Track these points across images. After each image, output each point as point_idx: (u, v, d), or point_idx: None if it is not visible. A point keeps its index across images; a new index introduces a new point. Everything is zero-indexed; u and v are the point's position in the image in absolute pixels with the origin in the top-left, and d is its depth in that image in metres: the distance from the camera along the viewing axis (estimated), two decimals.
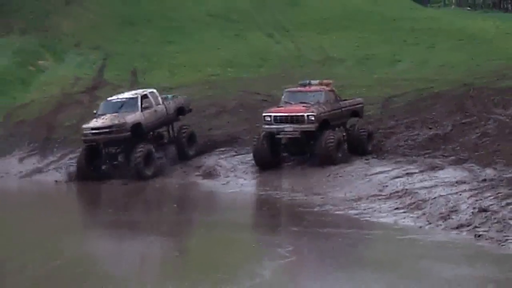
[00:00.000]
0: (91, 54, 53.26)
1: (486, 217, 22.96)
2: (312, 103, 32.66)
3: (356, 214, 26.32)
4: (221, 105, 41.78)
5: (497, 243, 21.13)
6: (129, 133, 32.35)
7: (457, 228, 22.86)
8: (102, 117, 33.08)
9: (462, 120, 35.49)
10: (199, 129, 37.32)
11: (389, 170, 30.76)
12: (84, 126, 33.20)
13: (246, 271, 19.11)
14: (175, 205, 30.13)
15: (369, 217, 25.93)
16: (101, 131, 32.15)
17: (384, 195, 27.94)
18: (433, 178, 28.44)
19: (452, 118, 35.77)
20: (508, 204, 23.55)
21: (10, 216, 28.05)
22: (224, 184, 31.54)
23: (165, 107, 34.86)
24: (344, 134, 33.24)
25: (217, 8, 62.81)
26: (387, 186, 28.82)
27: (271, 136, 32.04)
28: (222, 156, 34.43)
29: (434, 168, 29.60)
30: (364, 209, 26.86)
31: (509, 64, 44.74)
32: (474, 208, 23.77)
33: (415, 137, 34.70)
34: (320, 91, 34.04)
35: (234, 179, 31.76)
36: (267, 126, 32.17)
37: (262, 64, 50.91)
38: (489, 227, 22.25)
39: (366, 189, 28.99)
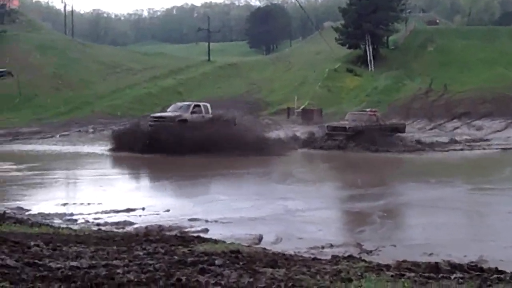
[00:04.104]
0: (426, 78, 64.61)
1: None
2: (356, 120, 35.56)
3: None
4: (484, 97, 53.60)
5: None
6: None
7: None
8: None
9: None
10: None
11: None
12: None
13: None
14: None
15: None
16: None
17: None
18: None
19: None
20: None
21: None
22: None
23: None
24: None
25: (483, 55, 71.57)
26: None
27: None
28: None
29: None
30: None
31: None
32: None
33: None
34: (364, 114, 37.11)
35: None
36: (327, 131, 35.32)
37: (502, 81, 59.24)
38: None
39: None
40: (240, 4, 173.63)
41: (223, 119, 33.59)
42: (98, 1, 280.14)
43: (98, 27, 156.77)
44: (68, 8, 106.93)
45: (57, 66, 69.03)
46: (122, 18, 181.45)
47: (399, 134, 36.41)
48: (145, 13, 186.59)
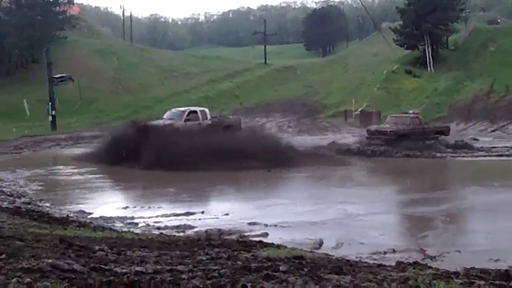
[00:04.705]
0: (487, 79, 61.46)
1: None
2: (398, 124, 33.29)
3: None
4: None
5: None
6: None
7: None
8: None
9: None
10: None
11: None
12: None
13: None
14: None
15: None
16: None
17: None
18: None
19: None
20: None
21: None
22: None
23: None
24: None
25: None
26: None
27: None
28: None
29: None
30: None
31: None
32: None
33: None
34: (407, 117, 34.32)
35: None
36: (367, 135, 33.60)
37: None
38: None
39: None
40: (296, 7, 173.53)
41: (223, 126, 31.32)
42: (155, 6, 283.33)
43: (156, 32, 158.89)
44: (127, 14, 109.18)
45: (116, 71, 70.27)
46: (179, 23, 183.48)
47: (443, 137, 34.04)
48: (202, 17, 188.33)
